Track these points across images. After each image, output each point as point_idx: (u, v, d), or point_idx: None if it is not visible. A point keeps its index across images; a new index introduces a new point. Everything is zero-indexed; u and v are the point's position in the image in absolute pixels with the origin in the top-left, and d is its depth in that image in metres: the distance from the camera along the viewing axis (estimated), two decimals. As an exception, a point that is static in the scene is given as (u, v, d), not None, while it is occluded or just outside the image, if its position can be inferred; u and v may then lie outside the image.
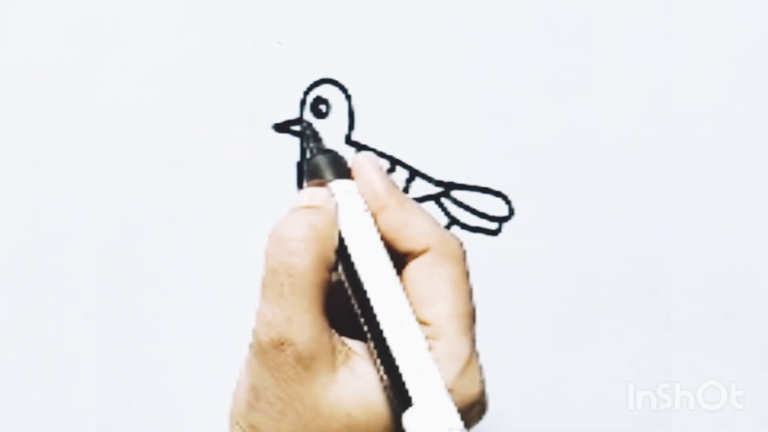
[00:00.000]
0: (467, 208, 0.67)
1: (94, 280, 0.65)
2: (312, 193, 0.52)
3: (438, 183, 0.67)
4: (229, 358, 0.65)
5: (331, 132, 0.66)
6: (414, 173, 0.66)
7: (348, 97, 0.66)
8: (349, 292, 0.50)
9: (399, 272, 0.51)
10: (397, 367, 0.48)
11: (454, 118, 0.67)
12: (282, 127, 0.66)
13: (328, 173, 0.54)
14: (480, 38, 0.67)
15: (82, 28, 0.65)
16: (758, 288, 0.68)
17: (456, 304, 0.51)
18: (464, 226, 0.67)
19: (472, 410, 0.50)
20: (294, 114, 0.66)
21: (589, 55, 0.67)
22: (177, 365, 0.65)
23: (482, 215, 0.67)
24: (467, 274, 0.52)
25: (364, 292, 0.50)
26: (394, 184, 0.53)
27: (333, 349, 0.49)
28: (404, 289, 0.51)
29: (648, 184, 0.67)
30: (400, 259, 0.51)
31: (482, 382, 0.51)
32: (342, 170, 0.54)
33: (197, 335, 0.65)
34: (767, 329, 0.68)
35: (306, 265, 0.49)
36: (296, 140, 0.66)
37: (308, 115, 0.66)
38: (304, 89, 0.66)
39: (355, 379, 0.48)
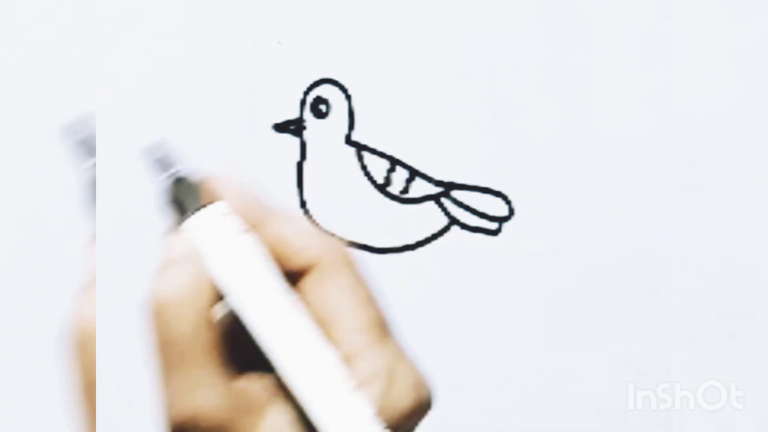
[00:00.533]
0: (467, 208, 0.67)
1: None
2: (169, 245, 0.46)
3: (438, 183, 0.67)
4: (229, 358, 0.65)
5: (331, 132, 0.66)
6: (414, 173, 0.66)
7: (348, 97, 0.66)
8: (250, 334, 0.46)
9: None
10: (314, 409, 0.45)
11: (454, 118, 0.67)
12: (282, 127, 0.66)
13: (189, 203, 0.49)
14: (480, 38, 0.67)
15: (82, 28, 0.65)
16: (758, 288, 0.68)
17: (359, 315, 0.46)
18: (464, 226, 0.67)
19: (413, 417, 0.46)
20: (294, 114, 0.66)
21: (589, 55, 0.67)
22: (177, 365, 0.65)
23: (482, 215, 0.67)
24: (363, 279, 0.48)
25: (259, 330, 0.45)
26: (257, 199, 0.48)
27: (250, 404, 0.45)
28: (305, 312, 0.46)
29: (648, 184, 0.67)
30: (293, 279, 0.47)
31: (416, 384, 0.45)
32: (205, 194, 0.49)
33: (197, 335, 0.65)
34: (767, 329, 0.68)
35: (185, 335, 0.45)
36: (296, 140, 0.66)
37: (308, 115, 0.66)
38: (304, 89, 0.66)
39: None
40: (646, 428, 0.67)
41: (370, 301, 0.47)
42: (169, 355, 0.45)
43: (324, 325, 0.46)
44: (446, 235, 0.67)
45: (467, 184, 0.67)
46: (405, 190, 0.66)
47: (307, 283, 0.46)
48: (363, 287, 0.47)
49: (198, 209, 0.48)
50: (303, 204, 0.66)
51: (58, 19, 0.65)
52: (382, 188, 0.66)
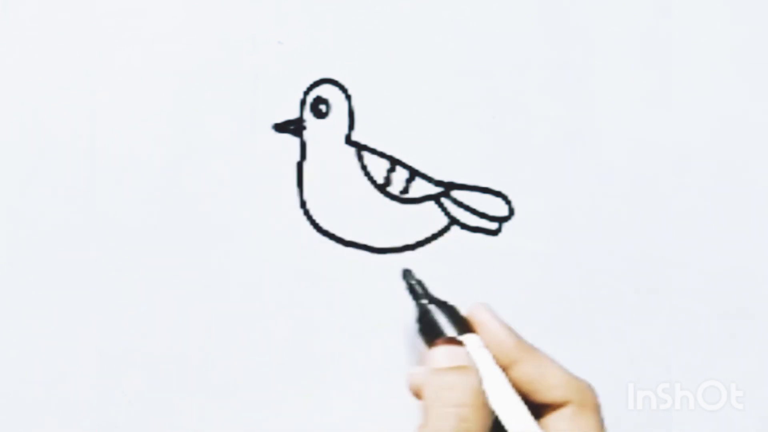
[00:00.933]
0: (467, 208, 0.67)
1: (93, 279, 0.65)
2: (451, 352, 0.54)
3: (438, 183, 0.67)
4: (229, 358, 0.65)
5: (331, 132, 0.66)
6: (414, 173, 0.66)
7: (348, 97, 0.66)
8: None
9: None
10: None
11: (454, 118, 0.67)
12: (282, 127, 0.66)
13: (449, 329, 0.54)
14: (480, 38, 0.67)
15: (82, 28, 0.65)
16: (758, 288, 0.68)
17: None
18: (464, 226, 0.67)
19: None
20: (294, 114, 0.66)
21: (589, 55, 0.67)
22: (177, 365, 0.65)
23: (482, 215, 0.67)
24: (603, 423, 0.55)
25: None
26: (519, 336, 0.54)
27: None
28: None
29: (648, 184, 0.67)
30: (534, 410, 0.53)
31: None
32: (462, 324, 0.55)
33: (197, 335, 0.65)
34: (767, 329, 0.68)
35: (477, 430, 0.51)
36: (296, 140, 0.66)
37: (308, 115, 0.66)
38: (304, 89, 0.66)
39: None
40: (646, 428, 0.67)
41: None
42: None
43: None
44: (446, 235, 0.67)
45: (467, 184, 0.67)
46: (405, 190, 0.66)
47: (555, 417, 0.54)
48: (604, 430, 0.54)
49: (459, 335, 0.53)
50: (303, 204, 0.66)
51: (58, 19, 0.65)
52: (382, 188, 0.66)
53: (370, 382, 0.65)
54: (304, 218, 0.66)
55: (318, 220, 0.66)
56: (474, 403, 0.52)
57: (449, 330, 0.55)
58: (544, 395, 0.54)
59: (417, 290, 0.59)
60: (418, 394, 0.55)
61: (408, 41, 0.67)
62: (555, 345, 0.67)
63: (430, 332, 0.56)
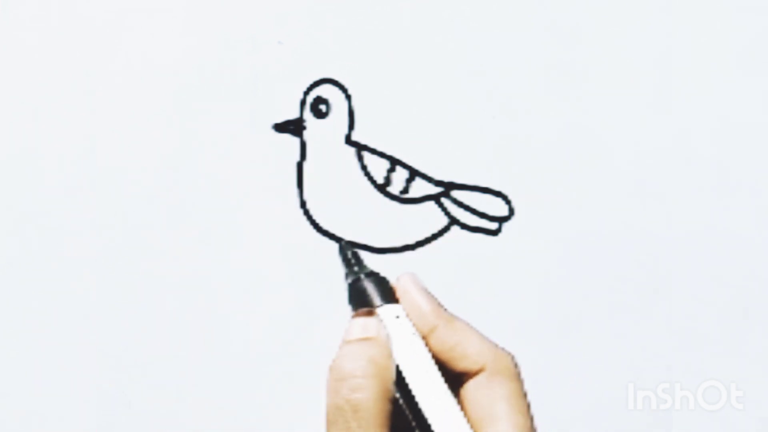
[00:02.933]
0: (467, 208, 0.67)
1: (94, 280, 0.65)
2: (364, 323, 0.54)
3: (438, 183, 0.67)
4: (229, 358, 0.65)
5: (331, 132, 0.66)
6: (414, 173, 0.66)
7: (348, 97, 0.66)
8: (410, 417, 0.52)
9: (455, 392, 0.53)
10: None
11: (454, 118, 0.67)
12: (282, 127, 0.66)
13: (375, 298, 0.55)
14: (480, 38, 0.67)
15: (82, 28, 0.65)
16: (758, 288, 0.68)
17: (516, 421, 0.52)
18: (464, 226, 0.67)
19: None
20: (294, 114, 0.66)
21: (590, 55, 0.67)
22: (177, 365, 0.65)
23: (482, 215, 0.67)
24: (523, 390, 0.54)
25: (425, 420, 0.51)
26: (440, 304, 0.55)
27: None
28: (462, 409, 0.52)
29: (648, 184, 0.67)
30: (455, 379, 0.53)
31: None
32: (387, 294, 0.55)
33: (197, 335, 0.65)
34: (767, 329, 0.68)
35: (370, 399, 0.51)
36: (296, 140, 0.66)
37: (308, 115, 0.66)
38: (304, 89, 0.66)
39: None
40: (646, 428, 0.67)
41: (526, 412, 0.52)
42: (350, 417, 0.51)
43: (479, 425, 0.52)
44: (446, 235, 0.67)
45: (467, 184, 0.67)
46: (405, 190, 0.66)
47: (473, 383, 0.53)
48: (523, 399, 0.53)
49: (382, 305, 0.54)
50: (303, 204, 0.66)
51: (58, 19, 0.65)
52: (382, 188, 0.66)
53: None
54: (304, 218, 0.66)
55: (318, 220, 0.66)
56: (366, 373, 0.52)
57: (374, 300, 0.56)
58: (460, 363, 0.54)
59: (351, 261, 0.59)
60: None
61: (408, 41, 0.67)
62: (555, 345, 0.67)
63: (356, 302, 0.57)
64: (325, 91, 0.66)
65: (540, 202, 0.67)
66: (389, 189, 0.66)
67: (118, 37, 0.65)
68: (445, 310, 0.55)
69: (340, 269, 0.66)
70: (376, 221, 0.66)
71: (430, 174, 0.67)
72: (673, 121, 0.68)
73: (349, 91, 0.66)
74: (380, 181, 0.66)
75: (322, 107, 0.66)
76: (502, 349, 0.54)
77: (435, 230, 0.67)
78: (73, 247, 0.65)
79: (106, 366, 0.65)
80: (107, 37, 0.65)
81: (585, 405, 0.67)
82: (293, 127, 0.66)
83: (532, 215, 0.67)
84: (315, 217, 0.66)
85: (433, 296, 0.55)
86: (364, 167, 0.66)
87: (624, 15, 0.68)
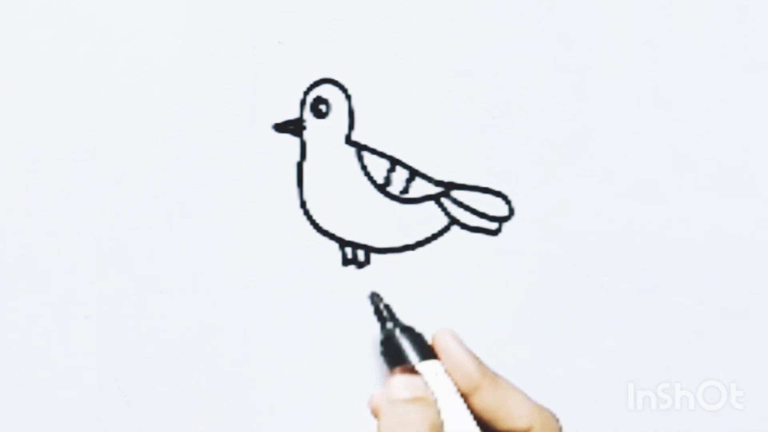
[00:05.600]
0: (467, 208, 0.67)
1: (94, 280, 0.65)
2: (409, 382, 0.54)
3: (438, 183, 0.67)
4: (229, 358, 0.65)
5: (331, 132, 0.66)
6: (414, 173, 0.66)
7: (348, 97, 0.66)
8: None
9: None
10: None
11: (454, 118, 0.67)
12: (282, 127, 0.66)
13: (412, 355, 0.55)
14: (480, 38, 0.67)
15: (82, 28, 0.65)
16: (758, 288, 0.68)
17: None
18: (464, 226, 0.67)
19: None
20: (294, 114, 0.66)
21: (589, 55, 0.67)
22: (177, 365, 0.65)
23: (482, 215, 0.67)
24: None
25: None
26: (482, 363, 0.54)
27: None
28: None
29: (648, 184, 0.67)
30: None
31: None
32: (426, 350, 0.55)
33: (197, 335, 0.65)
34: (767, 329, 0.68)
35: None
36: (296, 140, 0.66)
37: (308, 115, 0.66)
38: (304, 89, 0.66)
39: None
40: (646, 428, 0.67)
41: None
42: None
43: None
44: (446, 235, 0.67)
45: (467, 184, 0.67)
46: (405, 190, 0.66)
47: None
48: None
49: (420, 361, 0.53)
50: (303, 204, 0.66)
51: (58, 18, 0.65)
52: (382, 188, 0.66)
53: (370, 382, 0.65)
54: (304, 218, 0.66)
55: (318, 220, 0.66)
56: (436, 430, 0.52)
57: (412, 356, 0.55)
58: (506, 423, 0.54)
59: (383, 314, 0.59)
60: (376, 415, 0.55)
61: (408, 41, 0.67)
62: (555, 345, 0.67)
63: (392, 357, 0.57)
64: (325, 91, 0.66)
65: (540, 202, 0.67)
66: (389, 189, 0.66)
67: (118, 37, 0.65)
68: (488, 368, 0.55)
69: (340, 269, 0.66)
70: (376, 221, 0.66)
71: (430, 174, 0.67)
72: (673, 121, 0.68)
73: (349, 91, 0.66)
74: (380, 181, 0.66)
75: (322, 107, 0.66)
76: (547, 409, 0.55)
77: (435, 230, 0.67)
78: (72, 246, 0.65)
79: (105, 366, 0.65)
80: (107, 37, 0.65)
81: (585, 405, 0.67)
82: (293, 127, 0.66)
83: (532, 215, 0.67)
84: (315, 217, 0.66)
85: (474, 354, 0.55)
86: (364, 167, 0.66)
87: (624, 15, 0.68)
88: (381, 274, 0.66)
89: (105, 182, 0.65)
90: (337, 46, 0.66)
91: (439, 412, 0.53)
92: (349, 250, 0.66)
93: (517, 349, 0.67)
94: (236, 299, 0.65)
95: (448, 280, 0.66)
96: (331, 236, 0.66)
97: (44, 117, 0.65)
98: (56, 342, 0.65)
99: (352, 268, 0.66)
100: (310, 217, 0.66)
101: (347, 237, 0.66)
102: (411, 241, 0.66)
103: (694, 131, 0.68)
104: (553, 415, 0.55)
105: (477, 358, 0.55)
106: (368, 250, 0.66)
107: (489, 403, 0.54)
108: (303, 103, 0.66)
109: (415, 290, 0.66)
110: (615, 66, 0.67)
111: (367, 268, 0.66)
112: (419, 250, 0.66)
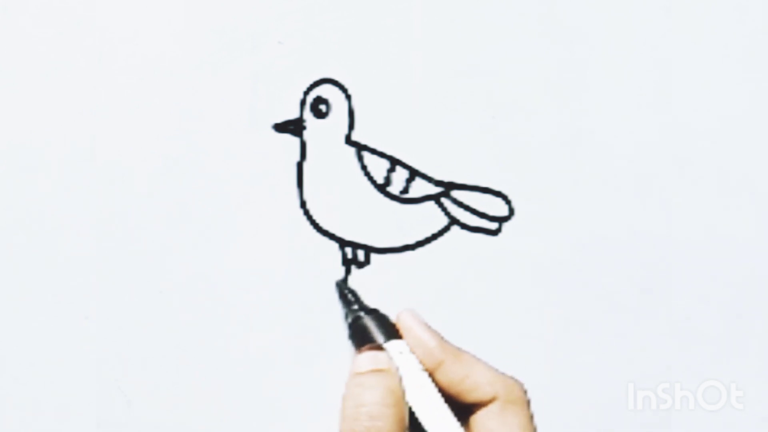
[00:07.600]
0: (467, 208, 0.67)
1: (94, 280, 0.65)
2: (373, 356, 0.55)
3: (438, 183, 0.67)
4: (229, 358, 0.65)
5: (331, 132, 0.66)
6: (414, 173, 0.66)
7: (348, 97, 0.66)
8: None
9: (464, 422, 0.53)
10: None
11: (454, 118, 0.67)
12: (282, 127, 0.66)
13: (378, 335, 0.56)
14: (480, 38, 0.67)
15: (82, 28, 0.65)
16: (759, 288, 0.68)
17: None
18: (464, 226, 0.67)
19: None
20: (294, 114, 0.66)
21: (590, 55, 0.67)
22: (177, 365, 0.65)
23: (482, 215, 0.67)
24: (532, 417, 0.56)
25: None
26: (444, 339, 0.54)
27: None
28: None
29: (648, 184, 0.67)
30: (463, 411, 0.54)
31: None
32: (390, 330, 0.56)
33: (197, 335, 0.65)
34: (767, 329, 0.68)
35: (389, 428, 0.52)
36: (296, 140, 0.66)
37: (308, 115, 0.66)
38: (304, 89, 0.66)
39: None
40: (646, 428, 0.67)
41: None
42: None
43: None
44: (446, 235, 0.67)
45: (467, 184, 0.67)
46: (405, 190, 0.66)
47: (484, 413, 0.54)
48: (531, 425, 0.55)
49: (386, 341, 0.55)
50: (303, 204, 0.66)
51: (59, 18, 0.65)
52: (382, 188, 0.66)
53: (370, 382, 0.65)
54: (304, 218, 0.66)
55: (318, 220, 0.66)
56: (385, 402, 0.52)
57: (378, 336, 0.57)
58: (471, 395, 0.54)
59: (349, 299, 0.60)
60: None
61: (408, 41, 0.67)
62: (555, 345, 0.67)
63: (359, 338, 0.58)
64: (325, 91, 0.66)
65: (540, 202, 0.67)
66: (389, 189, 0.66)
67: (118, 37, 0.65)
68: (450, 344, 0.56)
69: (340, 269, 0.66)
70: (376, 221, 0.66)
71: (430, 174, 0.67)
72: (673, 121, 0.68)
73: (349, 91, 0.66)
74: (380, 181, 0.66)
75: (322, 107, 0.66)
76: (511, 377, 0.55)
77: (435, 230, 0.67)
78: (72, 245, 0.65)
79: (105, 365, 0.65)
80: (107, 37, 0.65)
81: (585, 405, 0.67)
82: (293, 127, 0.66)
83: (532, 215, 0.67)
84: (315, 217, 0.66)
85: (436, 331, 0.56)
86: (364, 167, 0.66)
87: (624, 15, 0.68)
88: (381, 274, 0.66)
89: (105, 182, 0.65)
90: (337, 46, 0.66)
91: (400, 380, 0.54)
92: (349, 250, 0.66)
93: (517, 349, 0.67)
94: (236, 299, 0.65)
95: (448, 280, 0.66)
96: (331, 236, 0.66)
97: (44, 117, 0.65)
98: (56, 342, 0.65)
99: (352, 267, 0.66)
100: (310, 217, 0.66)
101: (347, 237, 0.66)
102: (411, 241, 0.66)
103: (694, 131, 0.68)
104: (518, 382, 0.55)
105: (439, 335, 0.56)
106: (368, 250, 0.66)
107: (453, 376, 0.55)
108: (303, 103, 0.66)
109: (415, 290, 0.66)
110: (615, 66, 0.67)
111: (367, 268, 0.66)
112: (419, 250, 0.66)
